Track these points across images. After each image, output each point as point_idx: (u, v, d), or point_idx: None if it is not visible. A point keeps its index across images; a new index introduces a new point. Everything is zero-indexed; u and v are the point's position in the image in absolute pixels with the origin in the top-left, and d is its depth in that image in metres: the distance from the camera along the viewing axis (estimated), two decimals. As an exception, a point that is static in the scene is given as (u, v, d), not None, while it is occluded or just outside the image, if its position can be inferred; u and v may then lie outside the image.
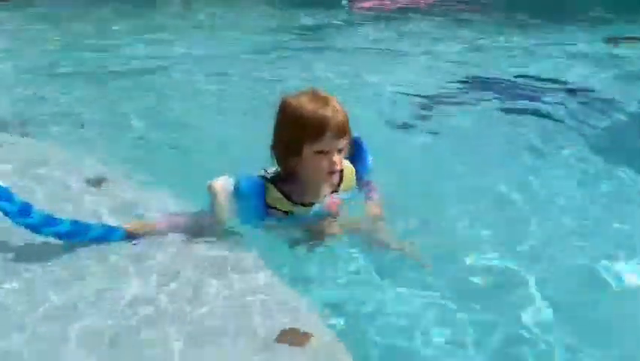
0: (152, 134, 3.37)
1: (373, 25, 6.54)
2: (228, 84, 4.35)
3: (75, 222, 2.02)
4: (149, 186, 2.57)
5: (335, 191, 2.18)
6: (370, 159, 2.31)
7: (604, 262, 2.12)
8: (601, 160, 2.99)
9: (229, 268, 1.95)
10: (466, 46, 5.54)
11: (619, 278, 2.06)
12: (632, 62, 4.81)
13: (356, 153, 2.26)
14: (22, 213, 1.95)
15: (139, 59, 5.06)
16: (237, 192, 2.07)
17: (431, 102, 3.94)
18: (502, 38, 5.79)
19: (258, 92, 4.07)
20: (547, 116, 3.68)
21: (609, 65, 4.69)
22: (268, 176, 2.13)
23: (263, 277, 1.92)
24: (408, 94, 4.08)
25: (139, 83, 4.37)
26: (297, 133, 1.99)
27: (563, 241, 2.28)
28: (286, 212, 2.12)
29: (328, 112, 1.97)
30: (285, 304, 1.80)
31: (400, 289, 1.95)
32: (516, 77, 4.49)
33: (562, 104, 3.86)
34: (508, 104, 3.89)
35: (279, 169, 2.14)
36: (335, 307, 1.86)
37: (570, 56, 5.02)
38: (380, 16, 6.92)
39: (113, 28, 6.28)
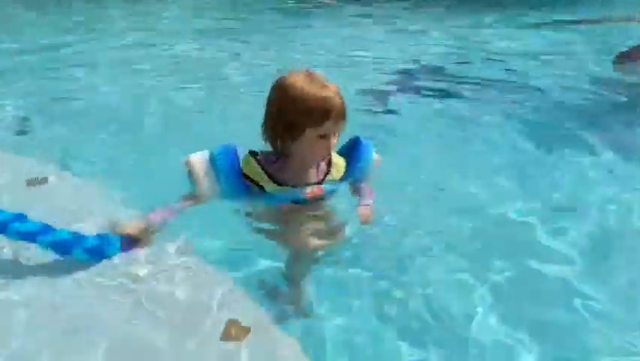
0: (94, 131, 3.24)
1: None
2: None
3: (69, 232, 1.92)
4: (91, 185, 2.51)
5: (321, 182, 2.15)
6: (373, 162, 2.26)
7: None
8: (531, 135, 3.19)
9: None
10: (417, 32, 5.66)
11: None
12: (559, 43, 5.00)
13: (354, 152, 2.23)
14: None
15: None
16: (211, 159, 2.06)
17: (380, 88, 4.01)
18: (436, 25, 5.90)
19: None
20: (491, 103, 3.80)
21: (538, 50, 4.88)
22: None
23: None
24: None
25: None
26: (302, 116, 1.96)
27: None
28: (261, 187, 2.09)
29: (332, 96, 1.96)
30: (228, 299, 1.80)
31: (343, 281, 1.98)
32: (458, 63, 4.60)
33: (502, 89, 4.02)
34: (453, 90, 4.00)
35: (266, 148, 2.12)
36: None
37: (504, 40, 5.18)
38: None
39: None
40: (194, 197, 2.08)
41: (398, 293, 1.96)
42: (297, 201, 2.12)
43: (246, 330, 1.66)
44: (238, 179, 2.07)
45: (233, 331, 1.65)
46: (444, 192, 2.60)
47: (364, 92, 3.95)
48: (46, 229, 1.88)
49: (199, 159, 2.08)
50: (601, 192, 2.66)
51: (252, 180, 2.08)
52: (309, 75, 1.99)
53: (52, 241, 1.87)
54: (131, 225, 2.02)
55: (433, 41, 5.45)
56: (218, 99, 3.82)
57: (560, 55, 4.92)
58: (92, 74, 4.36)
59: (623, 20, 4.93)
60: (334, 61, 4.80)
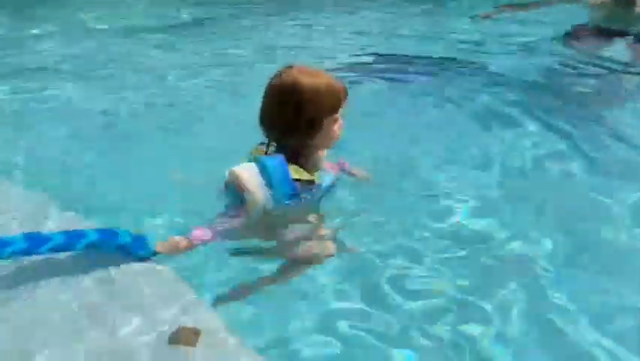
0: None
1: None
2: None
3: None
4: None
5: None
6: None
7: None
8: (484, 122, 3.26)
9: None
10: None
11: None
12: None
13: None
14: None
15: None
16: (267, 174, 1.97)
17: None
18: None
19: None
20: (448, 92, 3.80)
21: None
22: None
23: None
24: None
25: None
26: (320, 110, 2.02)
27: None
28: (309, 181, 2.09)
29: (333, 81, 2.06)
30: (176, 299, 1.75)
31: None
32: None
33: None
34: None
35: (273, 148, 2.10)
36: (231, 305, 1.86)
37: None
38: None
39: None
40: (242, 210, 2.00)
41: (366, 300, 1.94)
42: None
43: (198, 334, 1.61)
44: (293, 185, 2.02)
45: (185, 335, 1.60)
46: (408, 178, 2.64)
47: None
48: (75, 234, 1.81)
49: (247, 170, 1.99)
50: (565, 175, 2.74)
51: (302, 180, 2.06)
52: (305, 69, 2.04)
53: (87, 243, 1.80)
54: (168, 246, 1.88)
55: (389, 28, 5.47)
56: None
57: (514, 37, 4.95)
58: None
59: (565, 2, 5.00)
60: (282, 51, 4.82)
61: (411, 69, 4.22)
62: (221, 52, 4.77)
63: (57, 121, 3.32)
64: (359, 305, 1.91)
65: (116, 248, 1.84)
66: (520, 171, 2.79)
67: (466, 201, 2.47)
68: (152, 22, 5.87)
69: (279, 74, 2.03)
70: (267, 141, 2.13)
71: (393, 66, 4.29)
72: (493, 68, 4.22)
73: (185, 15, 6.15)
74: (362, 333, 1.80)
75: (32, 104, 3.62)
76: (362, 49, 4.71)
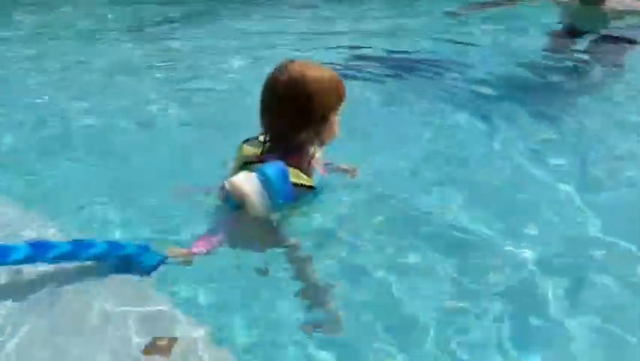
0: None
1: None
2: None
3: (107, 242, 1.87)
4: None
5: None
6: None
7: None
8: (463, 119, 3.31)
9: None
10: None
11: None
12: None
13: None
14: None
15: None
16: (267, 184, 1.94)
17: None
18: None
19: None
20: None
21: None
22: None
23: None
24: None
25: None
26: (328, 101, 2.01)
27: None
28: (310, 187, 2.07)
29: (335, 75, 2.05)
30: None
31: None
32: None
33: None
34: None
35: (267, 146, 2.06)
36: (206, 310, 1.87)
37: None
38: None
39: None
40: (242, 217, 1.99)
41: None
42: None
43: (172, 344, 1.67)
44: (293, 192, 2.00)
45: (159, 345, 1.66)
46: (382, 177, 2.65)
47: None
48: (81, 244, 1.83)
49: (248, 182, 1.94)
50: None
51: (301, 185, 2.04)
52: (306, 62, 2.02)
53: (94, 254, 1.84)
54: (177, 252, 1.94)
55: (366, 27, 5.49)
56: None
57: (487, 35, 5.02)
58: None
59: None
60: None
61: (385, 67, 4.25)
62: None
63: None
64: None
65: (121, 259, 1.86)
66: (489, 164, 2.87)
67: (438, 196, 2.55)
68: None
69: (283, 69, 1.97)
70: (254, 137, 2.13)
71: (364, 64, 4.32)
72: (465, 66, 4.27)
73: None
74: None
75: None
76: (333, 47, 4.70)
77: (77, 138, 3.20)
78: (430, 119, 3.36)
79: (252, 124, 2.14)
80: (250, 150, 2.12)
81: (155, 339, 1.68)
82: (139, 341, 1.68)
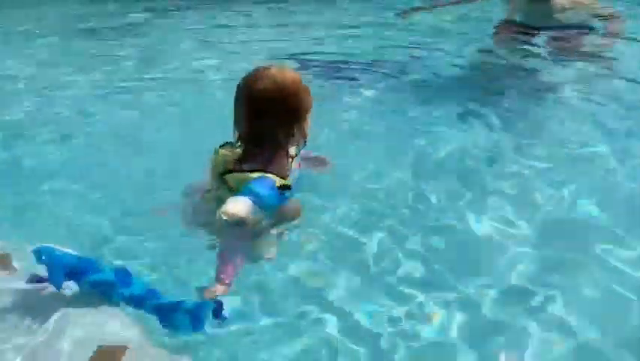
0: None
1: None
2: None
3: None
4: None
5: None
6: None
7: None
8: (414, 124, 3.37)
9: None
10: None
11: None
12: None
13: None
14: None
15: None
16: (260, 201, 1.99)
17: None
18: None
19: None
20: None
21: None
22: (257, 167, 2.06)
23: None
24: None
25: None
26: (307, 102, 2.12)
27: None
28: (288, 186, 2.11)
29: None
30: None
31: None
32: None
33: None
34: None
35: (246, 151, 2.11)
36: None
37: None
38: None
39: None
40: (243, 236, 2.04)
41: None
42: None
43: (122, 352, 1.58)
44: (281, 198, 2.07)
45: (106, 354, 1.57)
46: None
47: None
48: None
49: (243, 205, 1.96)
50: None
51: (285, 187, 2.08)
52: (277, 66, 2.10)
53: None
54: (214, 291, 1.88)
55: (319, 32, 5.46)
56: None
57: (437, 35, 5.07)
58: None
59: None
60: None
61: (337, 70, 4.27)
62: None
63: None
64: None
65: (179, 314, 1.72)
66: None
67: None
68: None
69: (261, 75, 2.03)
70: (228, 142, 2.17)
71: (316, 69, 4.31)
72: (413, 65, 4.33)
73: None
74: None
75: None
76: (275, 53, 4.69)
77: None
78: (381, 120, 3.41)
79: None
80: (228, 156, 2.15)
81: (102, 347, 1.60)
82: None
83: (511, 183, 2.73)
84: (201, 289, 1.91)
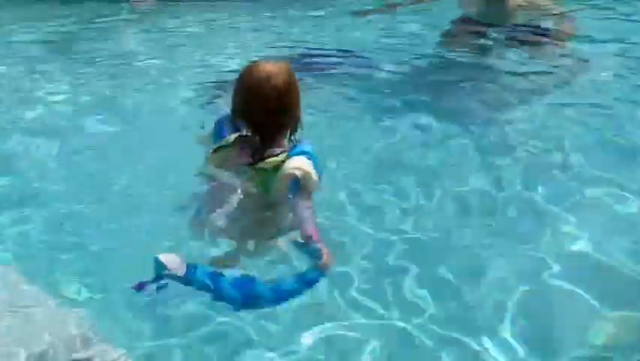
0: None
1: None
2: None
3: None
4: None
5: None
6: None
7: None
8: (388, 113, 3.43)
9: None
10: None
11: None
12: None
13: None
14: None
15: None
16: (314, 161, 2.16)
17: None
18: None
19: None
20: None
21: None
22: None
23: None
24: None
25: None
26: (299, 90, 2.23)
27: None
28: None
29: None
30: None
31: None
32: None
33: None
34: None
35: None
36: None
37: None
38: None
39: None
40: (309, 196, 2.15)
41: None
42: None
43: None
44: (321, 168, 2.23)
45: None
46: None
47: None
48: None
49: (307, 163, 2.13)
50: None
51: None
52: (268, 61, 2.20)
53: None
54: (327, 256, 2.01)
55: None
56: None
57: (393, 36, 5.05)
58: None
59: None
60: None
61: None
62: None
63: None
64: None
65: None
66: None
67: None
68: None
69: (260, 70, 2.13)
70: (220, 145, 2.24)
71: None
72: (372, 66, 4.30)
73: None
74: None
75: None
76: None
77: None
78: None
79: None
80: (231, 156, 2.22)
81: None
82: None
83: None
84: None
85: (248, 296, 1.94)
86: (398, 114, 3.45)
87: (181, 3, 6.33)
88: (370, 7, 5.48)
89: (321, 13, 5.82)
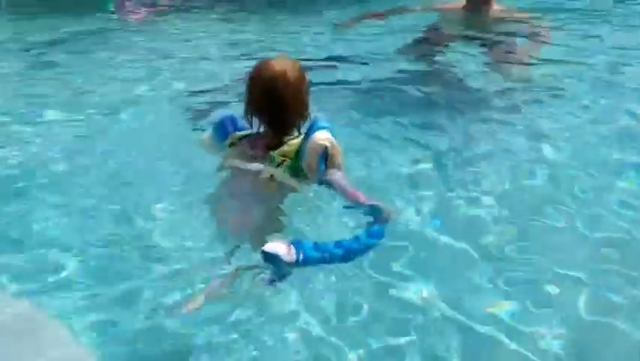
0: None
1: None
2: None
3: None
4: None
5: None
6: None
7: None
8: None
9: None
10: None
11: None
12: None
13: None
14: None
15: None
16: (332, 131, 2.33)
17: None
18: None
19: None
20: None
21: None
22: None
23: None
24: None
25: None
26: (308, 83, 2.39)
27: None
28: None
29: None
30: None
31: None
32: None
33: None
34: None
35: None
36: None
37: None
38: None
39: None
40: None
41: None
42: None
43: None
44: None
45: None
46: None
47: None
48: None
49: (330, 135, 2.31)
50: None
51: None
52: (282, 57, 2.41)
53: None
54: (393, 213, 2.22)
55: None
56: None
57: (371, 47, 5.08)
58: None
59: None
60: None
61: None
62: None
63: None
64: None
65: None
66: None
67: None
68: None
69: (273, 66, 2.27)
70: (234, 138, 2.42)
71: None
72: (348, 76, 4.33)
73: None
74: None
75: None
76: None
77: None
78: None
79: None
80: (247, 149, 2.39)
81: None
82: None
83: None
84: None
85: (349, 251, 2.06)
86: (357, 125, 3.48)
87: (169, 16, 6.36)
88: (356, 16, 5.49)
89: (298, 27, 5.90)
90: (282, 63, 2.30)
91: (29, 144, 3.41)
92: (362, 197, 2.23)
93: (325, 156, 2.27)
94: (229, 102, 3.74)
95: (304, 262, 1.96)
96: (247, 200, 2.34)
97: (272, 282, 2.01)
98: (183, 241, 2.37)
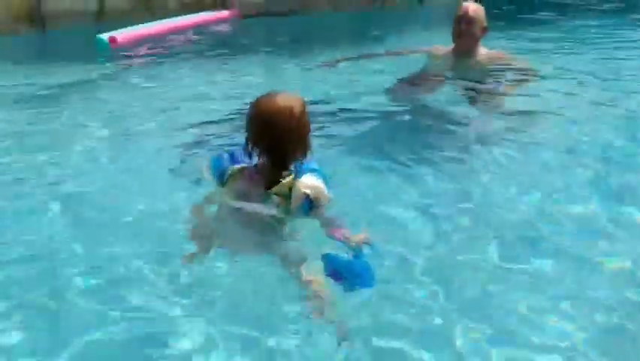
0: None
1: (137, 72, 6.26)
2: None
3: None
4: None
5: None
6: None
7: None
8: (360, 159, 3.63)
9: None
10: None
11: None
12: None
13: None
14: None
15: None
16: (325, 181, 2.38)
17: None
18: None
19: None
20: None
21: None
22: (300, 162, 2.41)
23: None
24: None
25: None
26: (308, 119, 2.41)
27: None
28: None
29: None
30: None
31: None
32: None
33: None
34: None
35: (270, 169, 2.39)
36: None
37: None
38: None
39: None
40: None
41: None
42: None
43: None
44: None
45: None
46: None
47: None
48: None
49: (318, 183, 2.34)
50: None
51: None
52: (278, 91, 2.36)
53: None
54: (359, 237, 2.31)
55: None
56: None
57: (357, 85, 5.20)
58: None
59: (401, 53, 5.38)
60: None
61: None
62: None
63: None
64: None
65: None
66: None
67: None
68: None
69: (274, 101, 2.30)
70: (233, 172, 2.43)
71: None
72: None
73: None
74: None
75: None
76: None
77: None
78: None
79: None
80: (244, 185, 2.40)
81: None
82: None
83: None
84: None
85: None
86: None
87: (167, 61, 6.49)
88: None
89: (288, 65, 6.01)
90: (285, 97, 2.32)
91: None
92: (337, 234, 2.29)
93: (309, 201, 2.31)
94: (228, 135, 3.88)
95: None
96: (250, 233, 2.40)
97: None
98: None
